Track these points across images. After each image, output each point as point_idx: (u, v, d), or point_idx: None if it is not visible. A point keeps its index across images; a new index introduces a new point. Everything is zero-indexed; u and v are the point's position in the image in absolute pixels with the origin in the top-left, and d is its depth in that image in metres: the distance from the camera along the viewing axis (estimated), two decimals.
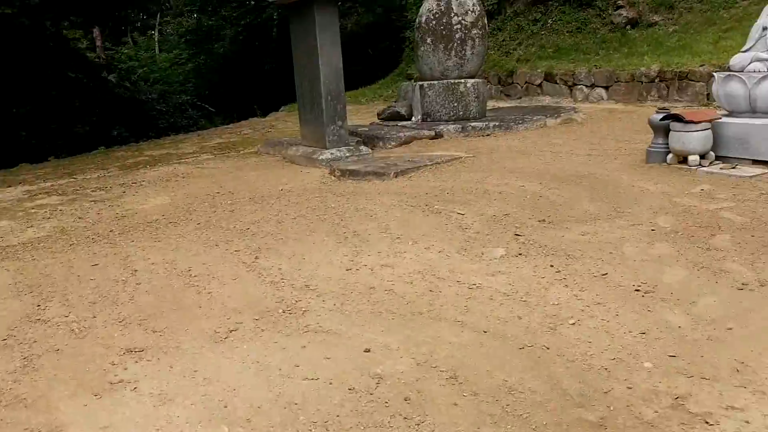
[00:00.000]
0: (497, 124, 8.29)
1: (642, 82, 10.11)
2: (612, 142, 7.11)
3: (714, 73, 5.99)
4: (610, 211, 4.38)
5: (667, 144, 5.56)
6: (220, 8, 22.47)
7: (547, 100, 11.53)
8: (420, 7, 9.18)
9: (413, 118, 9.10)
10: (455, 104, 8.77)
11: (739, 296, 2.91)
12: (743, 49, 5.79)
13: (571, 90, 11.31)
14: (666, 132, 5.55)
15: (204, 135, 11.43)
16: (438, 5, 8.71)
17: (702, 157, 5.40)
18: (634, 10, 12.07)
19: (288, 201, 5.15)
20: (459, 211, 4.55)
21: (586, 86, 11.00)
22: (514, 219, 4.31)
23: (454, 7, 8.68)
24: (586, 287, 3.08)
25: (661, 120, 5.47)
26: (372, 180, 5.86)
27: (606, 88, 10.70)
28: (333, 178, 6.19)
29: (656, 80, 9.92)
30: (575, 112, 9.05)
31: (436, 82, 8.82)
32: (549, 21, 13.33)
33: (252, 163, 7.36)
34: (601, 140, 7.27)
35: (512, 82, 12.52)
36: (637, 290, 3.02)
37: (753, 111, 5.52)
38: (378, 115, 9.83)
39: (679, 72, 9.58)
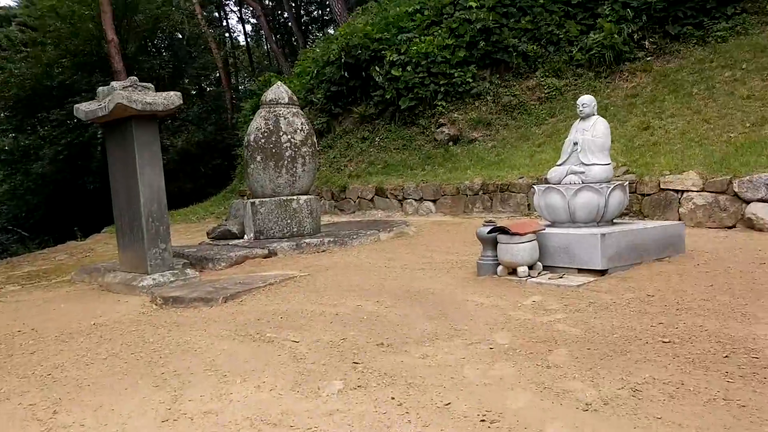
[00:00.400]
0: (332, 239, 8.16)
1: (467, 195, 10.51)
2: (443, 255, 7.17)
3: (534, 186, 6.24)
4: (448, 329, 4.25)
5: (496, 256, 5.63)
6: (39, 127, 21.32)
7: (379, 214, 11.67)
8: (249, 125, 9.07)
9: (245, 237, 8.77)
10: (288, 221, 8.59)
11: (585, 419, 2.80)
12: (558, 163, 6.11)
13: (402, 204, 11.54)
14: (494, 244, 5.63)
15: (14, 262, 10.41)
16: (266, 124, 8.64)
17: (530, 267, 5.50)
18: (455, 128, 12.73)
19: (100, 337, 4.59)
20: (293, 339, 4.24)
21: (415, 200, 11.27)
22: (352, 344, 4.05)
23: (282, 126, 8.64)
24: (430, 421, 2.84)
25: (488, 233, 5.56)
26: (198, 307, 5.42)
27: (434, 201, 11.01)
28: (154, 306, 5.68)
29: (480, 192, 10.35)
30: (406, 225, 9.16)
31: (268, 199, 8.62)
32: (377, 138, 13.75)
33: (63, 293, 6.66)
34: (433, 253, 7.31)
35: (345, 197, 12.62)
36: (483, 420, 2.83)
37: (573, 221, 5.77)
38: (208, 234, 9.42)
39: (501, 184, 10.06)
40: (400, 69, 13.05)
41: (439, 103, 13.04)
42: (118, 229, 6.90)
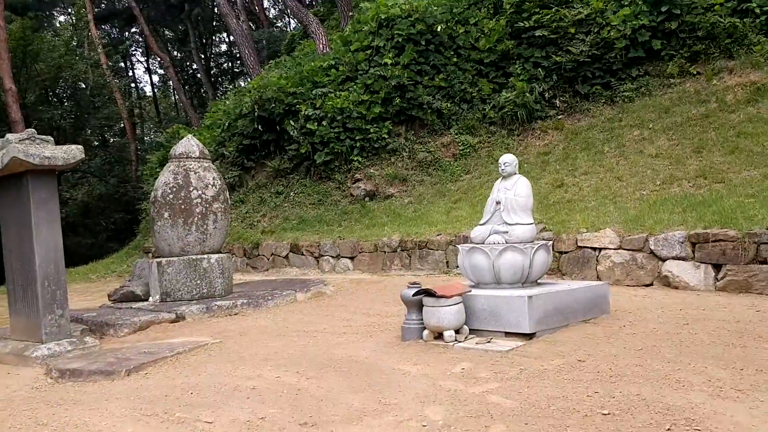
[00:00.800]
0: (246, 301, 7.75)
1: (385, 252, 10.32)
2: (365, 317, 6.89)
3: (457, 245, 6.10)
4: (376, 404, 3.95)
5: (422, 319, 5.41)
6: None
7: (294, 272, 11.30)
8: (156, 179, 8.62)
9: (151, 299, 8.22)
10: (198, 281, 8.12)
11: None
12: (481, 222, 6.00)
13: (318, 261, 11.23)
14: (419, 307, 5.41)
15: None
16: (175, 179, 8.22)
17: (457, 331, 5.30)
18: (371, 183, 12.61)
19: None
20: (206, 419, 3.83)
21: (332, 257, 10.99)
22: (272, 424, 3.69)
23: (192, 181, 8.24)
24: None
25: (414, 295, 5.33)
26: (98, 381, 4.92)
27: (351, 258, 10.76)
28: (50, 380, 5.14)
29: (398, 250, 10.18)
30: (324, 284, 8.84)
31: (176, 258, 8.14)
32: (291, 193, 13.46)
33: None
34: (354, 315, 7.02)
35: (258, 254, 12.19)
36: None
37: (498, 282, 5.63)
38: (109, 296, 8.79)
39: (419, 241, 9.93)
40: (316, 123, 12.89)
41: (355, 159, 12.92)
42: (10, 293, 6.28)
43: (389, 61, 12.95)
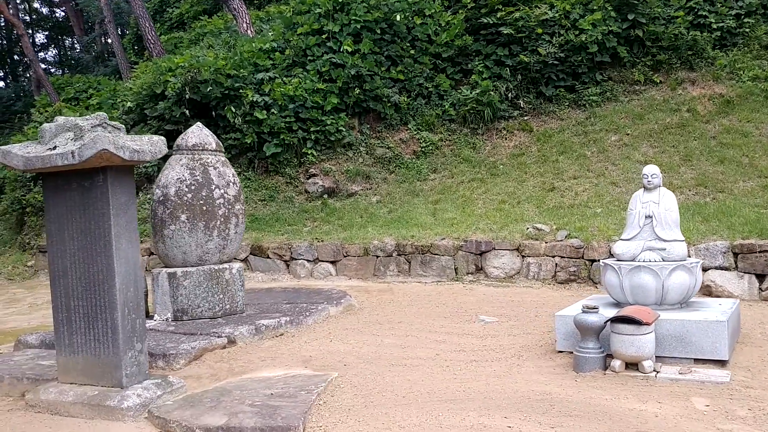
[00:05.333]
0: (288, 319, 6.71)
1: (378, 256, 9.54)
2: (448, 336, 6.19)
3: (603, 261, 5.62)
4: None
5: (600, 348, 4.88)
6: None
7: (260, 278, 10.16)
8: (159, 174, 7.24)
9: (157, 317, 6.90)
10: (221, 296, 6.94)
11: None
12: (626, 237, 5.55)
13: (288, 265, 10.18)
14: (598, 334, 4.88)
15: None
16: (193, 175, 6.94)
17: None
18: (330, 179, 11.69)
19: None
20: None
21: (309, 261, 10.00)
22: None
23: (214, 178, 7.02)
24: None
25: (613, 322, 4.77)
26: None
27: (333, 262, 9.85)
28: None
29: (394, 254, 9.45)
30: (347, 296, 7.93)
31: (194, 268, 6.88)
32: None
33: None
34: (429, 334, 6.30)
35: None
36: None
37: (660, 303, 5.23)
38: None
39: (420, 246, 9.28)
40: (264, 111, 11.69)
41: (309, 152, 11.90)
42: (61, 324, 4.85)
43: (349, 48, 12.07)
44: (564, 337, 5.34)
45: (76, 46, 37.27)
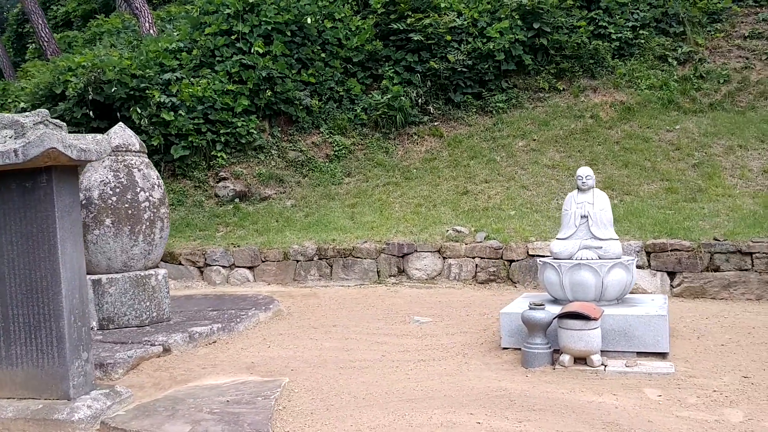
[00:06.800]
0: (220, 326, 6.54)
1: (298, 261, 9.44)
2: (389, 338, 6.24)
3: (541, 260, 5.84)
4: None
5: (548, 344, 5.07)
6: None
7: (172, 285, 9.80)
8: (81, 176, 6.86)
9: None
10: (147, 303, 6.68)
11: None
12: (562, 236, 5.79)
13: (202, 272, 9.89)
14: (545, 329, 5.07)
15: None
16: (117, 177, 6.65)
17: None
18: (241, 183, 11.46)
19: None
20: None
21: (224, 267, 9.76)
22: None
23: (139, 181, 6.75)
24: None
25: (563, 317, 4.96)
26: None
27: (251, 268, 9.66)
28: None
29: (315, 258, 9.40)
30: (274, 301, 7.80)
31: (119, 275, 6.58)
32: None
33: None
34: (368, 336, 6.33)
35: None
36: None
37: (597, 300, 5.50)
38: None
39: (341, 249, 9.28)
40: (171, 113, 11.32)
41: (219, 155, 11.61)
42: None
43: (260, 50, 11.88)
44: (509, 334, 5.51)
45: None
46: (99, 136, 4.63)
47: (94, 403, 4.33)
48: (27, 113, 4.45)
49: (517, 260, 8.61)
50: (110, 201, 6.53)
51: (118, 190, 6.58)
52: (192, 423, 4.04)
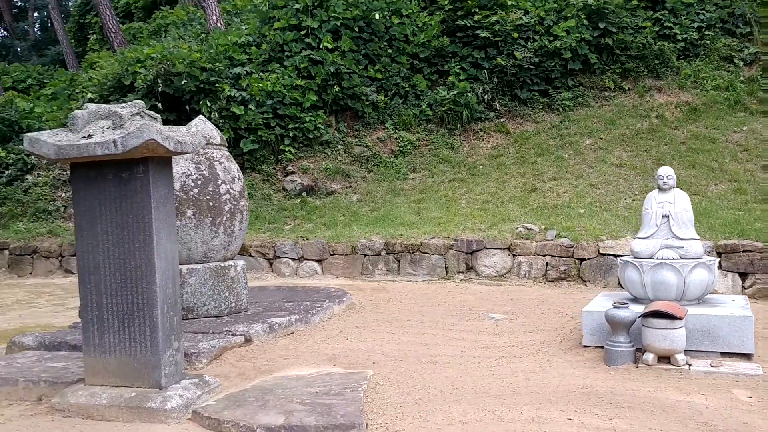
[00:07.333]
0: (297, 317, 6.61)
1: (366, 255, 9.48)
2: (465, 334, 6.22)
3: (622, 258, 5.74)
4: None
5: (630, 342, 4.98)
6: None
7: None
8: None
9: None
10: (226, 294, 6.78)
11: None
12: (643, 236, 5.69)
13: (272, 264, 10.02)
14: (627, 328, 4.98)
15: None
16: (198, 169, 6.76)
17: None
18: (309, 177, 11.57)
19: None
20: None
21: (293, 259, 9.86)
22: None
23: (220, 174, 6.85)
24: None
25: (647, 316, 4.86)
26: None
27: (319, 261, 9.74)
28: None
29: (383, 253, 9.41)
30: (347, 294, 7.85)
31: (199, 266, 6.69)
32: None
33: None
34: (443, 331, 6.32)
35: None
36: None
37: (679, 300, 5.37)
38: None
39: (409, 245, 9.27)
40: (242, 107, 11.47)
41: (287, 149, 11.74)
42: (90, 324, 4.62)
43: (329, 45, 11.96)
44: (590, 332, 5.44)
45: None
46: (193, 128, 4.70)
47: (185, 393, 4.42)
48: (123, 104, 4.56)
49: (588, 259, 8.47)
50: (192, 193, 6.65)
51: (200, 182, 6.69)
52: (285, 413, 4.08)
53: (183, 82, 11.62)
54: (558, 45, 12.04)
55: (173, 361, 4.55)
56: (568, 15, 12.23)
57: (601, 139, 11.18)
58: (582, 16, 12.13)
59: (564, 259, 8.65)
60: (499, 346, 5.80)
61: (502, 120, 12.30)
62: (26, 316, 8.03)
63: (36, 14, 30.17)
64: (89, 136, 4.36)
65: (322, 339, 6.18)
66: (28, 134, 4.50)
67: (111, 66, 13.20)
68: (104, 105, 4.59)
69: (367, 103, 12.33)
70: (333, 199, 11.18)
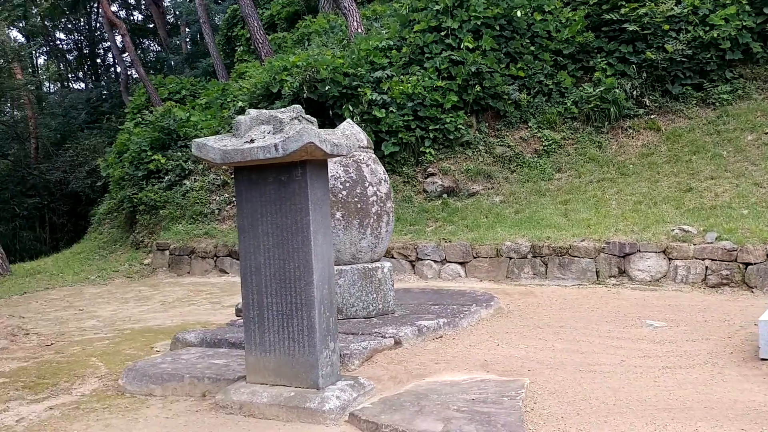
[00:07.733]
0: (445, 321, 6.52)
1: (511, 258, 9.26)
2: (623, 342, 5.87)
3: None
4: None
5: None
6: None
7: None
8: None
9: None
10: (374, 295, 6.80)
11: None
12: None
13: (414, 265, 10.01)
14: None
15: None
16: (346, 172, 6.83)
17: None
18: (449, 179, 11.49)
19: None
20: None
21: (436, 261, 9.81)
22: None
23: (367, 176, 6.89)
24: None
25: None
26: None
27: (462, 263, 9.62)
28: None
29: (529, 256, 9.16)
30: (494, 298, 7.68)
31: (348, 267, 6.76)
32: None
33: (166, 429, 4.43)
34: (601, 340, 5.99)
35: None
36: None
37: None
38: (239, 311, 7.24)
39: (557, 248, 8.96)
40: (383, 110, 11.57)
41: (427, 151, 11.73)
42: (251, 322, 4.76)
43: (470, 45, 11.84)
44: None
45: (151, 47, 38.26)
46: (347, 131, 4.73)
47: (342, 394, 4.44)
48: (283, 109, 4.66)
49: (755, 263, 7.83)
50: (340, 195, 6.73)
51: (348, 184, 6.76)
52: (443, 420, 3.99)
53: (327, 88, 11.88)
54: (715, 35, 11.25)
55: (329, 362, 4.58)
56: (727, 2, 11.38)
57: (766, 134, 10.33)
58: (744, 2, 11.26)
59: (726, 263, 8.06)
60: (661, 356, 5.44)
61: (652, 116, 11.66)
62: (186, 314, 8.45)
63: (187, 29, 32.03)
64: (251, 141, 4.48)
65: (472, 344, 6.05)
66: (196, 140, 4.70)
67: (259, 75, 13.74)
68: (264, 110, 4.71)
69: (509, 102, 12.09)
70: (475, 201, 11.03)
